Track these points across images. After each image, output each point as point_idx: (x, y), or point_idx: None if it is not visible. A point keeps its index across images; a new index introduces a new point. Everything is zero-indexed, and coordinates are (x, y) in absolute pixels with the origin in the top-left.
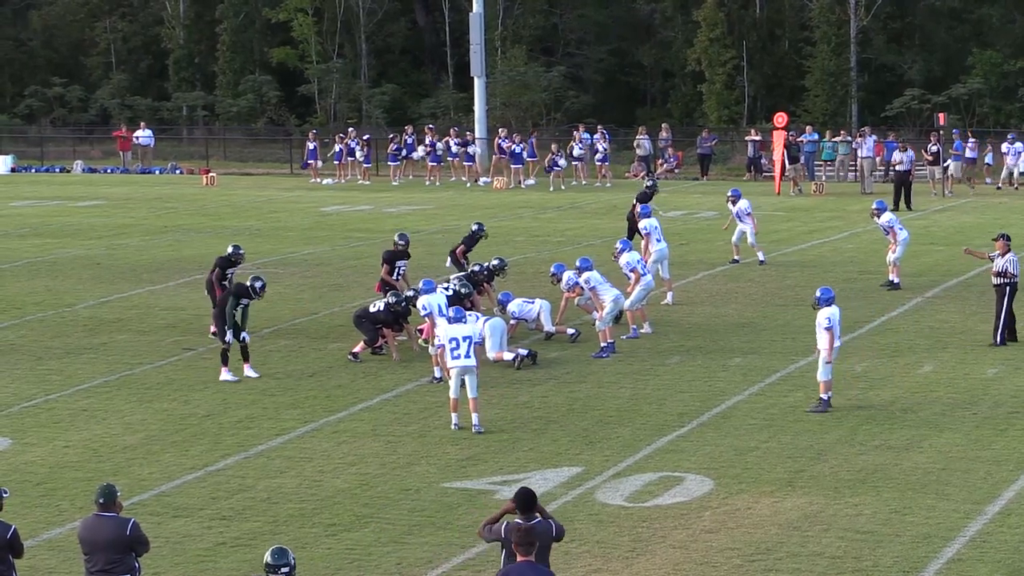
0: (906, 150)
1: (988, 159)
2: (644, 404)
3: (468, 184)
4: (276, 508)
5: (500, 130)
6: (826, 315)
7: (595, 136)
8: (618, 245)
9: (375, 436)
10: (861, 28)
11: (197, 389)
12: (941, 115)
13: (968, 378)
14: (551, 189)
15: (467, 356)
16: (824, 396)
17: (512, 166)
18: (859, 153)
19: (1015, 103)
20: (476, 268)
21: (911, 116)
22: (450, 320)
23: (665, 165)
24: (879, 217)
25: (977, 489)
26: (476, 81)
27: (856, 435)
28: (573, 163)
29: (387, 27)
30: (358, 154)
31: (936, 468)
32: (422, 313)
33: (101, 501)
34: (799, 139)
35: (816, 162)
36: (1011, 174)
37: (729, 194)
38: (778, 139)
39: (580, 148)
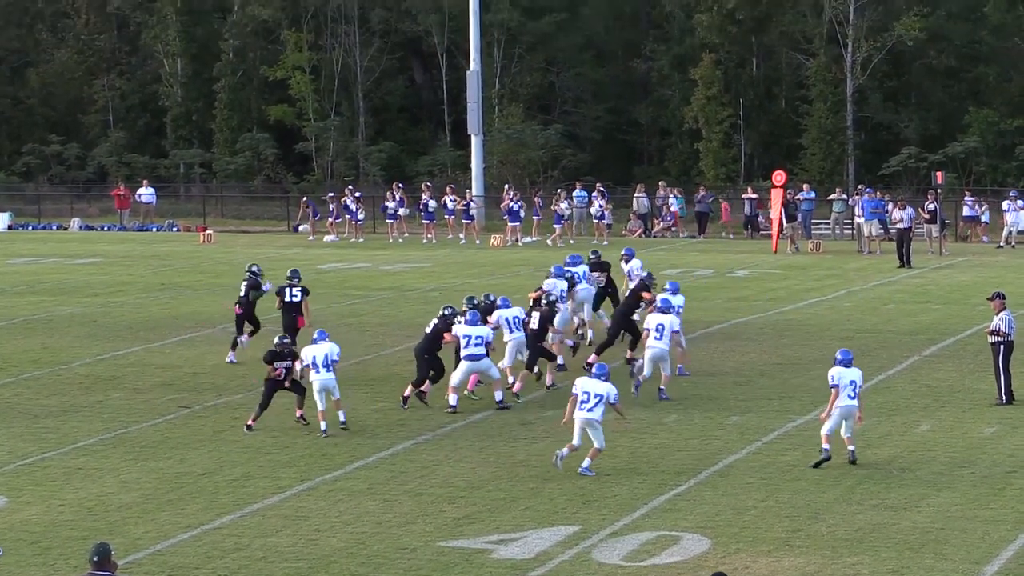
0: (905, 207)
1: (985, 217)
2: (641, 462)
3: (463, 241)
4: (272, 567)
5: (508, 188)
6: (831, 373)
7: (593, 194)
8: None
9: (371, 495)
10: (857, 87)
11: (193, 447)
12: (939, 173)
13: (966, 437)
14: (549, 243)
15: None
16: (849, 447)
17: (510, 224)
18: (856, 211)
19: (1012, 161)
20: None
21: (908, 174)
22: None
23: (662, 223)
24: (626, 263)
25: (975, 549)
26: (473, 139)
27: (854, 494)
28: (555, 223)
29: (385, 85)
30: (359, 213)
31: (934, 528)
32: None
33: (96, 560)
34: (796, 197)
35: (815, 221)
36: (1010, 232)
37: (623, 252)
38: (776, 197)
39: (567, 206)
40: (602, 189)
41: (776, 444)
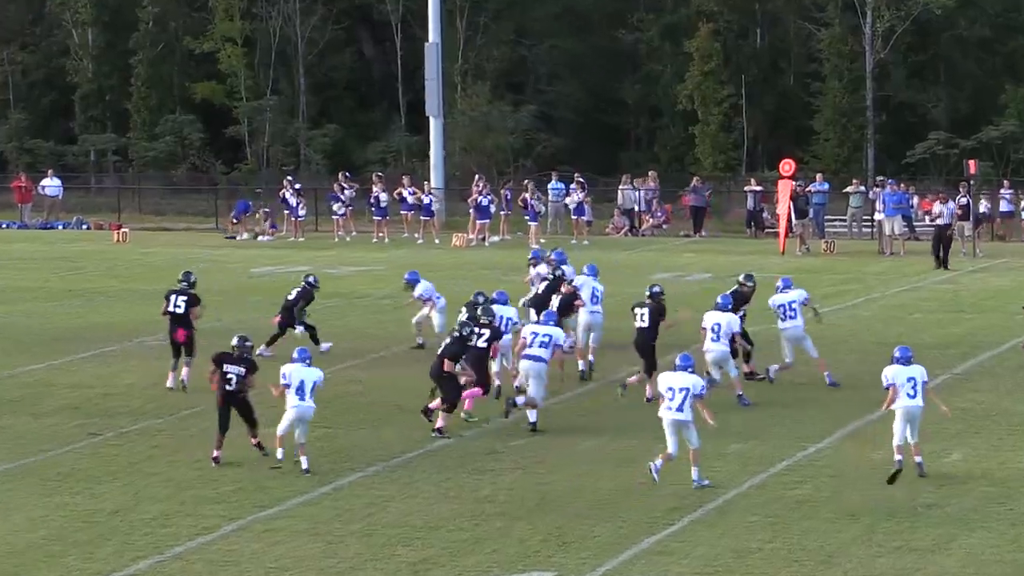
0: (947, 202)
1: None
2: (628, 497)
3: (421, 240)
4: None
5: (477, 179)
6: (884, 373)
7: (571, 186)
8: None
9: (313, 536)
10: (878, 61)
11: (105, 481)
12: (971, 162)
13: (1004, 468)
14: (532, 244)
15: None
16: (916, 458)
17: (478, 220)
18: (876, 206)
19: None
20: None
21: (937, 163)
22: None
23: (652, 219)
24: (533, 266)
25: None
26: (432, 122)
27: (874, 534)
28: (529, 221)
29: (329, 59)
30: (299, 208)
31: (966, 573)
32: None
33: None
34: (807, 189)
35: (828, 217)
36: None
37: (531, 257)
38: (784, 189)
39: (538, 201)
40: (581, 180)
41: (784, 476)
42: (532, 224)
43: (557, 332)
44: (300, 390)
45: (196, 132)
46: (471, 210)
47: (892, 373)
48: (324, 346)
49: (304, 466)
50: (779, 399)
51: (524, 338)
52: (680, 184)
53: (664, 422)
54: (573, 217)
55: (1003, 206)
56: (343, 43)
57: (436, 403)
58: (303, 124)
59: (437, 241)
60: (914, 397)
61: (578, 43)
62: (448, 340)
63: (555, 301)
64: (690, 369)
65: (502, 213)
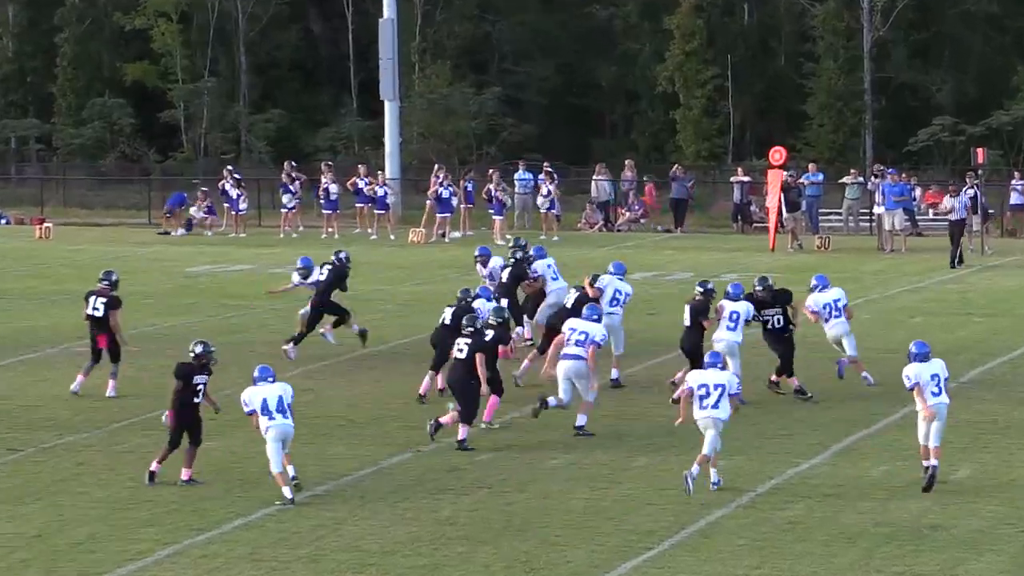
0: (958, 194)
1: None
2: (602, 519)
3: (374, 236)
4: None
5: (437, 169)
6: (905, 373)
7: (539, 176)
8: None
9: (255, 562)
10: (876, 40)
11: (25, 502)
12: (980, 150)
13: (1016, 485)
14: (498, 240)
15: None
16: (931, 462)
17: (438, 214)
18: (875, 198)
19: None
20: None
21: (941, 151)
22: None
23: (628, 213)
24: (484, 265)
25: None
26: (387, 106)
27: (871, 559)
28: (493, 215)
29: (273, 37)
30: (241, 201)
31: None
32: None
33: None
34: (800, 180)
35: (823, 210)
36: None
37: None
38: (774, 180)
39: (504, 193)
40: (550, 170)
41: (773, 496)
42: (497, 218)
43: (595, 329)
44: (267, 409)
45: (127, 117)
46: (428, 202)
47: (914, 372)
48: (329, 335)
49: (291, 473)
50: (768, 410)
51: (562, 333)
52: (660, 175)
53: (700, 423)
54: (542, 212)
55: (1014, 198)
56: (288, 19)
57: (450, 417)
58: (244, 108)
59: (393, 237)
60: (938, 395)
61: (548, 19)
62: (467, 338)
63: (571, 297)
64: (719, 366)
65: (463, 206)
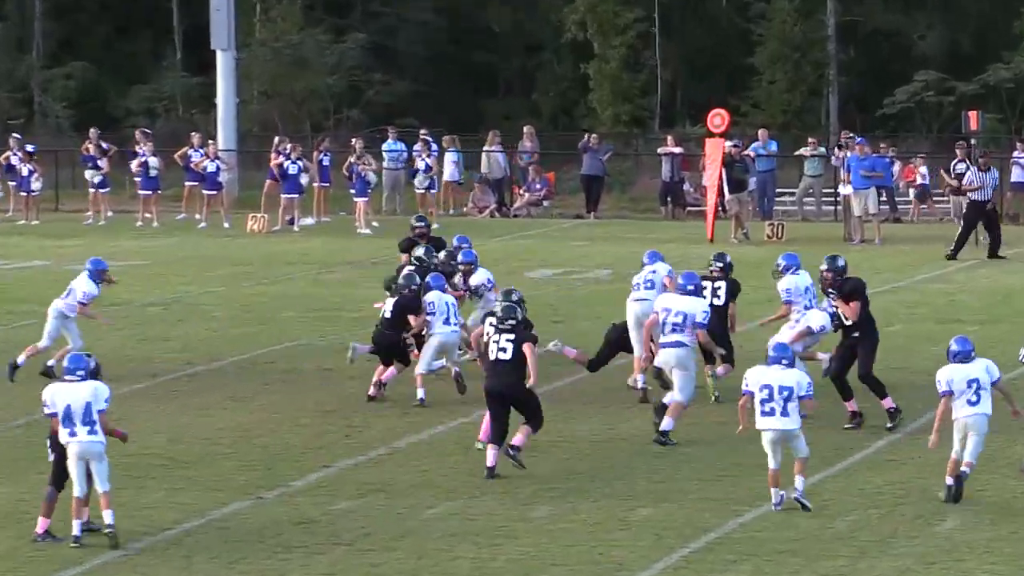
0: (989, 169)
1: None
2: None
3: (204, 224)
4: None
5: (280, 140)
6: (939, 377)
7: (415, 147)
8: None
9: None
10: None
11: None
12: (973, 113)
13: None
14: (359, 229)
15: None
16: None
17: (283, 196)
18: (840, 175)
19: None
20: None
21: (925, 115)
22: None
23: (528, 194)
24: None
25: None
26: (220, 56)
27: None
28: (355, 196)
29: None
30: (32, 179)
31: None
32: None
33: None
34: (746, 152)
35: (778, 190)
36: None
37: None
38: (713, 152)
39: (369, 168)
40: (427, 138)
41: (713, 552)
42: (360, 200)
43: (695, 305)
44: (69, 419)
45: None
46: (269, 180)
47: (947, 376)
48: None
49: (109, 521)
50: (707, 446)
51: (656, 313)
52: (569, 145)
53: (764, 436)
54: (417, 191)
55: (1015, 174)
56: None
57: (522, 436)
58: (37, 61)
59: (227, 224)
60: (976, 404)
61: None
62: (509, 332)
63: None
64: (786, 362)
65: (316, 185)
